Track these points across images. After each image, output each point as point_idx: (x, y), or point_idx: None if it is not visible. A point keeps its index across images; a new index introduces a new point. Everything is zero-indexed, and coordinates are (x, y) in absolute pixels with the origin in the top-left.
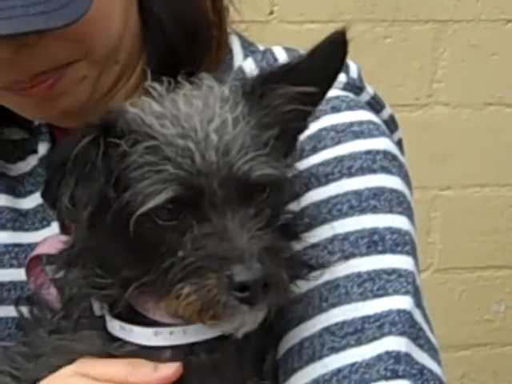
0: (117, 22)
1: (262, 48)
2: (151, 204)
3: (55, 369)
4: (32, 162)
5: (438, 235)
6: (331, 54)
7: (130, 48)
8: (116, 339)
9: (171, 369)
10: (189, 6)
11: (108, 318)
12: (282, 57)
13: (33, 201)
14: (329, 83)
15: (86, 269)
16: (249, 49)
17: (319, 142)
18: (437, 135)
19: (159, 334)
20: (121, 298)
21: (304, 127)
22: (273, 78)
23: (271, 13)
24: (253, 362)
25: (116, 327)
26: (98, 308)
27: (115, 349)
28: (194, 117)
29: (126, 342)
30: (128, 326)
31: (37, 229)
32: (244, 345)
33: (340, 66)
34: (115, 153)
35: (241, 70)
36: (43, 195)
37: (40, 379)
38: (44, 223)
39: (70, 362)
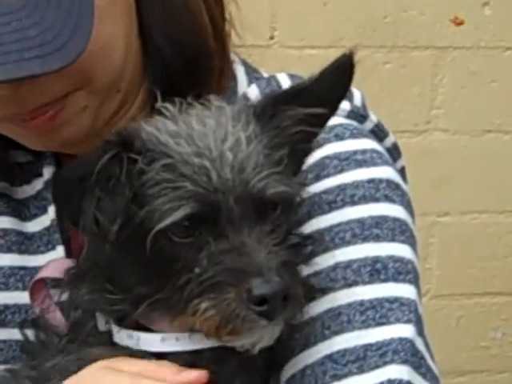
0: (118, 52)
1: (266, 75)
2: (169, 221)
3: None
4: (37, 185)
5: (436, 261)
6: (339, 76)
7: (132, 76)
8: (123, 351)
9: (195, 375)
10: (189, 33)
11: (115, 329)
12: (286, 84)
13: (38, 224)
14: (336, 105)
15: (94, 284)
16: (253, 75)
17: (322, 169)
18: (436, 161)
19: (166, 339)
20: (131, 313)
21: (310, 149)
22: (282, 99)
23: (272, 37)
24: (253, 380)
25: (124, 337)
26: (102, 324)
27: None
28: (208, 136)
29: (133, 353)
30: (136, 334)
31: (42, 252)
32: (250, 362)
33: (347, 88)
34: (134, 170)
35: (245, 96)
36: (60, 212)
37: None
38: (49, 246)
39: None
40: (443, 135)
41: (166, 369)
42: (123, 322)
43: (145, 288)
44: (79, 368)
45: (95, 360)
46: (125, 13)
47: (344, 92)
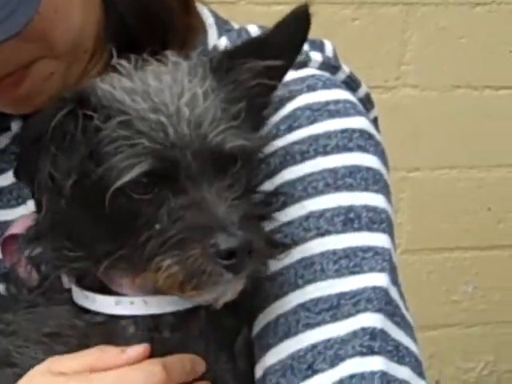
0: (75, 13)
1: (236, 26)
2: (126, 178)
3: (26, 344)
4: (5, 140)
5: (406, 216)
6: (295, 27)
7: (97, 34)
8: (87, 311)
9: (138, 350)
10: None
11: (74, 288)
12: (255, 34)
13: (7, 178)
14: (293, 56)
15: (55, 241)
16: (224, 27)
17: (294, 121)
18: (405, 117)
19: (120, 303)
20: (91, 271)
21: (269, 102)
22: (239, 52)
23: None
24: (220, 341)
25: (80, 297)
26: (66, 281)
27: (86, 320)
28: (164, 91)
29: (96, 314)
30: (91, 295)
31: (12, 206)
32: (209, 323)
33: (304, 38)
34: (90, 126)
35: (215, 48)
36: (17, 172)
37: (10, 355)
38: (19, 201)
39: (42, 335)
40: (413, 91)
41: (109, 352)
42: (84, 280)
43: (106, 245)
44: (38, 329)
45: (52, 330)
46: None
47: (301, 43)
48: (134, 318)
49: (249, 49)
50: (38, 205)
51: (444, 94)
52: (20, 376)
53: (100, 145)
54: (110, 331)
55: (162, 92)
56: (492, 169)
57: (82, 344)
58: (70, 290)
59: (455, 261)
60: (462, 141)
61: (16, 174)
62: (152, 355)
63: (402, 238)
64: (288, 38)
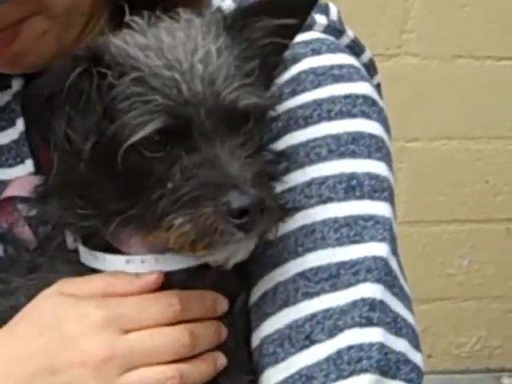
0: None
1: None
2: (139, 135)
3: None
4: (5, 97)
5: (404, 187)
6: None
7: (92, 3)
8: (90, 272)
9: (152, 277)
10: None
11: (82, 249)
12: None
13: (6, 136)
14: (305, 16)
15: (64, 199)
16: None
17: (298, 84)
18: (406, 86)
19: (131, 262)
20: (101, 230)
21: (280, 61)
22: (253, 11)
23: None
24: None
25: (89, 257)
26: (71, 242)
27: None
28: (177, 48)
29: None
30: (101, 255)
31: (10, 165)
32: (217, 281)
33: None
34: (104, 84)
35: (219, 9)
36: (30, 129)
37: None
38: (18, 160)
39: None
40: (414, 60)
41: (122, 280)
42: (91, 241)
43: (118, 204)
44: (44, 287)
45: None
46: None
47: (313, 3)
48: None
49: (262, 8)
50: (37, 165)
51: (445, 63)
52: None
53: (114, 102)
54: None
55: (175, 49)
56: (491, 140)
57: None
58: (74, 251)
59: (451, 233)
60: (462, 111)
61: (28, 131)
62: None
63: (398, 209)
64: None
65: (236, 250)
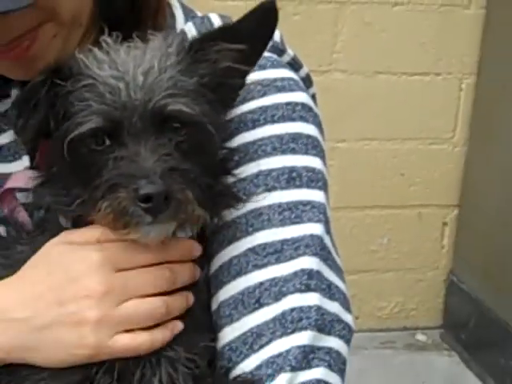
0: None
1: (200, 14)
2: (76, 132)
3: None
4: (5, 105)
5: (334, 180)
6: (264, 17)
7: (89, 13)
8: None
9: None
10: None
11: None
12: (216, 22)
13: (6, 137)
14: (262, 45)
15: (54, 188)
16: (189, 15)
17: (248, 93)
18: (335, 97)
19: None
20: (81, 214)
21: (242, 84)
22: (210, 37)
23: None
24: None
25: None
26: (64, 221)
27: None
28: (128, 63)
29: None
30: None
31: (10, 161)
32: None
33: (273, 28)
34: (62, 91)
35: (183, 32)
36: (15, 128)
37: None
38: (16, 156)
39: None
40: (342, 75)
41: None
42: (78, 222)
43: (77, 190)
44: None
45: None
46: None
47: (271, 32)
48: None
49: (220, 34)
50: (32, 160)
51: (368, 78)
52: None
53: (70, 105)
54: None
55: (126, 63)
56: (405, 141)
57: None
58: (67, 229)
59: (373, 217)
60: (382, 117)
61: (15, 131)
62: None
63: (330, 197)
64: (256, 27)
65: (148, 231)
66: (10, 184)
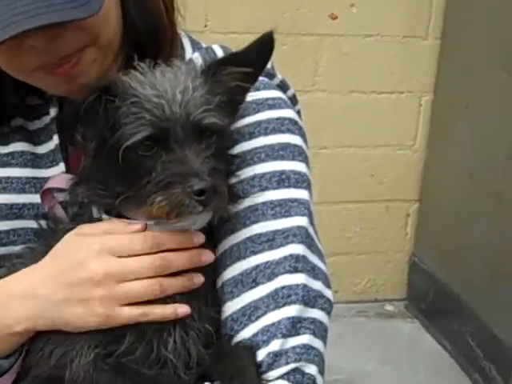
0: (113, 20)
1: (204, 45)
2: (132, 139)
3: None
4: (45, 120)
5: (316, 180)
6: (263, 46)
7: (118, 41)
8: None
9: (140, 223)
10: (151, 14)
11: (104, 216)
12: (219, 52)
13: (46, 147)
14: (261, 68)
15: (90, 185)
16: (196, 46)
17: (245, 110)
18: (317, 112)
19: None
20: (114, 205)
21: (243, 101)
22: (222, 62)
23: (205, 26)
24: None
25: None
26: (96, 212)
27: None
28: (166, 83)
29: None
30: (115, 219)
31: (49, 167)
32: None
33: (270, 55)
34: (111, 106)
35: (191, 61)
36: (62, 134)
37: None
38: (54, 163)
39: None
40: (322, 94)
41: (118, 224)
42: (110, 212)
43: (121, 187)
44: None
45: None
46: None
47: (268, 58)
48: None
49: (229, 60)
50: (67, 166)
51: (344, 96)
52: None
53: (119, 118)
54: None
55: (164, 84)
56: (375, 148)
57: None
58: (99, 219)
59: (349, 210)
60: (356, 128)
61: (62, 134)
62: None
63: (313, 194)
64: (258, 54)
65: (196, 220)
66: (48, 185)
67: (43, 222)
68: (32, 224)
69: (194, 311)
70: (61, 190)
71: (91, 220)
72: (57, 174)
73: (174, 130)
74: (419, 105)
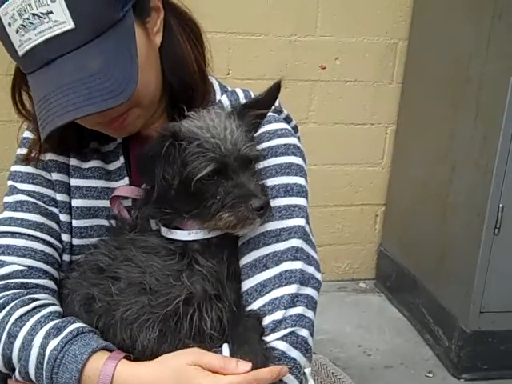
0: (152, 85)
1: (230, 89)
2: (201, 173)
3: (132, 255)
4: (113, 145)
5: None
6: (274, 91)
7: (158, 97)
8: (169, 240)
9: (247, 366)
10: (185, 74)
11: (163, 228)
12: (240, 94)
13: (115, 165)
14: (271, 106)
15: (156, 205)
16: (224, 89)
17: (260, 139)
18: (310, 140)
19: (191, 233)
20: (174, 220)
21: (257, 131)
22: (248, 105)
23: (228, 74)
24: (231, 249)
25: (166, 232)
26: (153, 224)
27: (170, 243)
28: (217, 127)
29: (176, 240)
30: (174, 230)
31: (117, 180)
32: (228, 240)
33: (277, 97)
34: (181, 148)
35: (221, 102)
36: (141, 174)
37: (114, 270)
38: (120, 177)
39: (142, 252)
40: (315, 125)
41: (231, 363)
42: (168, 225)
43: (188, 208)
44: (144, 241)
45: (148, 248)
46: (154, 63)
47: (276, 99)
48: (197, 241)
49: (253, 103)
50: (130, 179)
51: (330, 126)
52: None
53: (186, 157)
54: (184, 247)
55: (215, 127)
56: (353, 165)
57: (168, 256)
58: (156, 230)
59: (333, 212)
60: (339, 150)
61: (141, 174)
62: (203, 252)
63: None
64: (270, 97)
65: (254, 228)
66: (116, 193)
67: (113, 221)
68: (105, 222)
69: (227, 296)
70: (125, 198)
71: (149, 230)
72: (122, 185)
73: (230, 162)
74: (385, 133)
